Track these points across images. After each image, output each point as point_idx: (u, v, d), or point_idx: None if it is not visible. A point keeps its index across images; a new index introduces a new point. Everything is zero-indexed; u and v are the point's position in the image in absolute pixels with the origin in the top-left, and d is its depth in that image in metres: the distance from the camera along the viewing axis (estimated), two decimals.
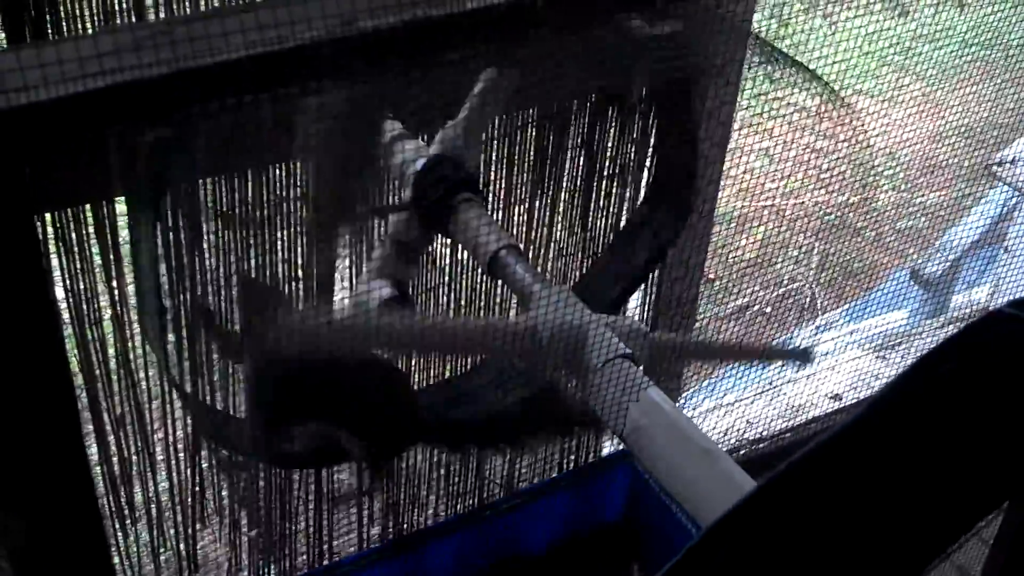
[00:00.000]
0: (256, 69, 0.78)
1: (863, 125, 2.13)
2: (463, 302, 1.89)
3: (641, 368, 1.29)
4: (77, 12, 1.23)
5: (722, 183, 2.01)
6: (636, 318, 2.19)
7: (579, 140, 1.86)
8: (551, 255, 1.97)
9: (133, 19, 1.27)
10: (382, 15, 0.81)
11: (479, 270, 1.81)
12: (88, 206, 1.35)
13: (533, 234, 1.93)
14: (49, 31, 1.22)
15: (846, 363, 2.82)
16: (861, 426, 0.78)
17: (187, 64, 0.75)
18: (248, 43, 0.78)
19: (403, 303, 1.27)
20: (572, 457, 2.28)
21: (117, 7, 1.25)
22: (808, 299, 3.40)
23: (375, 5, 0.81)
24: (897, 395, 0.80)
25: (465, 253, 1.69)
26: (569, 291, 1.35)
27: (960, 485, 0.77)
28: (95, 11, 1.24)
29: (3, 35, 1.20)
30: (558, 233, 1.95)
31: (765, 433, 2.70)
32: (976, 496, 0.78)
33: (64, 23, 1.23)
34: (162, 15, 1.29)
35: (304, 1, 0.79)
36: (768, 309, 3.26)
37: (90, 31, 1.24)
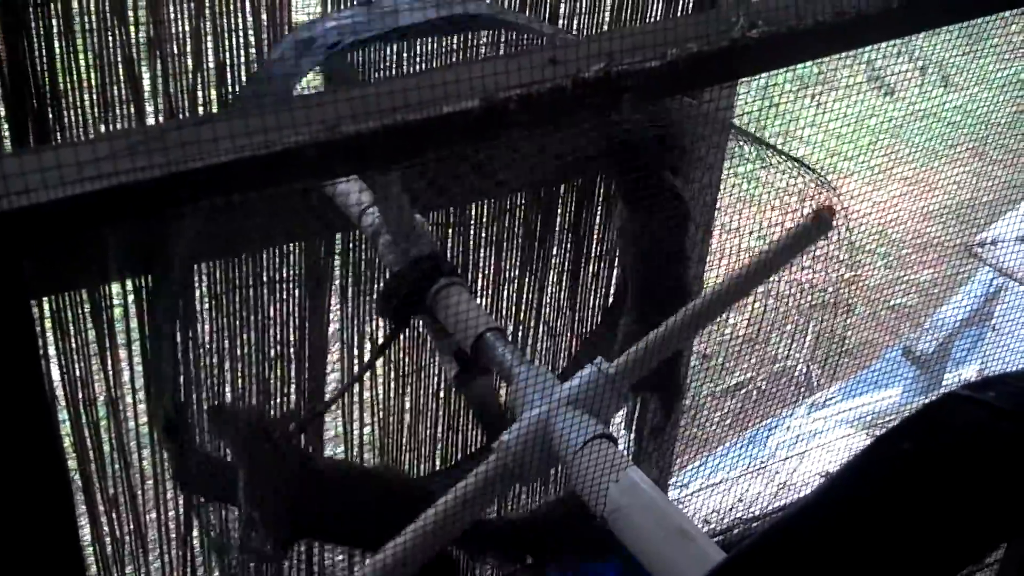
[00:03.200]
0: (243, 171, 0.83)
1: (852, 204, 2.18)
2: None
3: (621, 448, 1.31)
4: (78, 105, 1.30)
5: (715, 261, 2.05)
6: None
7: (566, 223, 1.92)
8: (540, 335, 2.02)
9: (132, 111, 1.34)
10: (363, 120, 0.87)
11: None
12: (84, 290, 1.40)
13: (522, 315, 1.97)
14: (51, 125, 1.28)
15: (837, 441, 2.83)
16: (821, 502, 0.81)
17: (178, 168, 0.81)
18: (237, 147, 0.83)
19: None
20: None
21: (116, 99, 1.32)
22: (803, 376, 3.41)
23: (357, 111, 0.87)
24: (857, 472, 0.83)
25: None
26: (550, 373, 1.38)
27: (918, 557, 0.79)
28: (95, 105, 1.31)
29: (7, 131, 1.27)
30: (547, 314, 2.00)
31: (757, 511, 2.69)
32: (935, 566, 0.80)
33: (65, 117, 1.29)
34: (160, 104, 1.36)
35: (291, 109, 0.85)
36: (763, 386, 3.27)
37: (91, 126, 1.31)
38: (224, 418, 1.38)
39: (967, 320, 3.00)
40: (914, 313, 3.14)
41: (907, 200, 2.48)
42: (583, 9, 1.65)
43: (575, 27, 1.66)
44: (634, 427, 2.24)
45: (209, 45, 1.36)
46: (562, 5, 1.64)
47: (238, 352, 1.61)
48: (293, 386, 1.70)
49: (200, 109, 1.38)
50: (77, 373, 1.43)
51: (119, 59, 1.29)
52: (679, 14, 1.72)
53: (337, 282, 1.69)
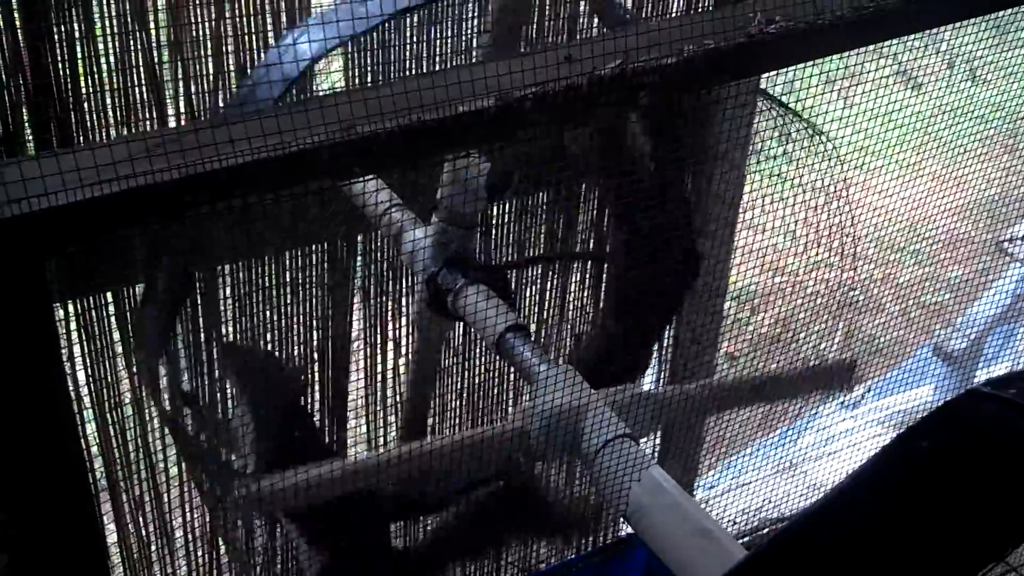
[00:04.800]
0: (260, 173, 0.84)
1: (881, 201, 2.16)
2: (476, 381, 1.92)
3: (643, 447, 1.31)
4: (100, 109, 1.31)
5: (743, 259, 2.04)
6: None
7: (589, 221, 1.92)
8: (564, 333, 2.01)
9: (153, 113, 1.35)
10: (379, 121, 0.87)
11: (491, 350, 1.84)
12: (110, 293, 1.41)
13: (545, 313, 1.97)
14: (73, 129, 1.30)
15: (867, 441, 2.81)
16: (841, 501, 0.80)
17: (195, 169, 0.81)
18: (253, 149, 0.83)
19: None
20: (591, 537, 2.28)
21: (138, 102, 1.33)
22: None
23: (372, 111, 0.87)
24: (876, 470, 0.82)
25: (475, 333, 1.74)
26: (572, 370, 1.38)
27: (937, 555, 0.79)
28: (117, 108, 1.32)
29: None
30: (570, 312, 1.99)
31: (787, 512, 2.67)
32: (955, 564, 0.79)
33: (87, 121, 1.31)
34: (181, 107, 1.37)
35: (306, 110, 0.85)
36: None
37: (113, 129, 1.32)
38: (234, 353, 1.41)
39: (999, 317, 2.95)
40: (945, 311, 3.10)
41: (937, 196, 2.45)
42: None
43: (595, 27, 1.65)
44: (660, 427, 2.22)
45: (230, 47, 1.37)
46: (582, 4, 1.64)
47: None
48: (317, 387, 1.71)
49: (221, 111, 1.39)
50: (103, 375, 1.44)
51: (140, 63, 1.31)
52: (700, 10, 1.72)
53: (359, 283, 1.70)
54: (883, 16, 1.04)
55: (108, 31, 1.26)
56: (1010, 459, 0.79)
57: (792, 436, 2.81)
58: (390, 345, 1.79)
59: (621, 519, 2.30)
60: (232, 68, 1.36)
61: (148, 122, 1.33)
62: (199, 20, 1.30)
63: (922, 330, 3.05)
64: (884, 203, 2.39)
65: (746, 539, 2.59)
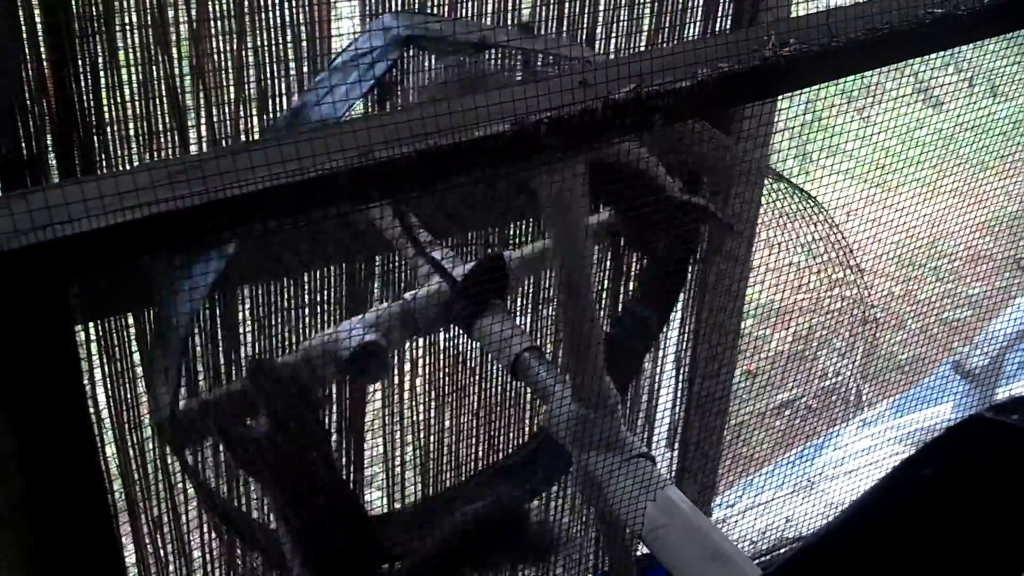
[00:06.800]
0: (279, 199, 0.85)
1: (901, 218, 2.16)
2: (493, 401, 1.93)
3: (660, 467, 1.31)
4: (123, 135, 1.33)
5: (763, 277, 2.04)
6: (668, 416, 2.22)
7: (606, 241, 1.92)
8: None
9: (176, 139, 1.37)
10: (396, 146, 0.88)
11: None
12: (130, 315, 1.43)
13: (561, 334, 1.97)
14: (96, 155, 1.32)
15: (887, 459, 2.79)
16: (845, 528, 0.81)
17: (216, 196, 0.83)
18: (272, 175, 0.85)
19: (377, 354, 1.29)
20: (607, 558, 2.27)
21: (161, 128, 1.35)
22: (853, 393, 3.36)
23: (389, 137, 0.88)
24: (880, 497, 0.83)
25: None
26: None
27: None
28: (140, 135, 1.34)
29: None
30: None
31: (806, 531, 2.66)
32: None
33: (110, 147, 1.33)
34: (203, 132, 1.39)
35: (325, 136, 0.86)
36: (812, 403, 3.24)
37: (135, 155, 1.34)
38: (264, 374, 1.37)
39: (1019, 334, 2.94)
40: (965, 327, 3.08)
41: (958, 212, 2.45)
42: (620, 31, 1.66)
43: (612, 49, 1.67)
44: (676, 445, 2.23)
45: (251, 74, 1.39)
46: (599, 28, 1.65)
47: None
48: (333, 407, 1.72)
49: (243, 137, 1.41)
50: (123, 396, 1.46)
51: (163, 89, 1.33)
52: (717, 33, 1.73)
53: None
54: (898, 38, 1.04)
55: (131, 59, 1.28)
56: (1010, 487, 0.79)
57: (811, 455, 2.80)
58: (407, 367, 1.80)
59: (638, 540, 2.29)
60: (254, 95, 1.38)
61: (170, 148, 1.35)
62: (221, 49, 1.32)
63: (942, 347, 3.03)
64: (904, 220, 2.39)
65: (765, 558, 2.57)
